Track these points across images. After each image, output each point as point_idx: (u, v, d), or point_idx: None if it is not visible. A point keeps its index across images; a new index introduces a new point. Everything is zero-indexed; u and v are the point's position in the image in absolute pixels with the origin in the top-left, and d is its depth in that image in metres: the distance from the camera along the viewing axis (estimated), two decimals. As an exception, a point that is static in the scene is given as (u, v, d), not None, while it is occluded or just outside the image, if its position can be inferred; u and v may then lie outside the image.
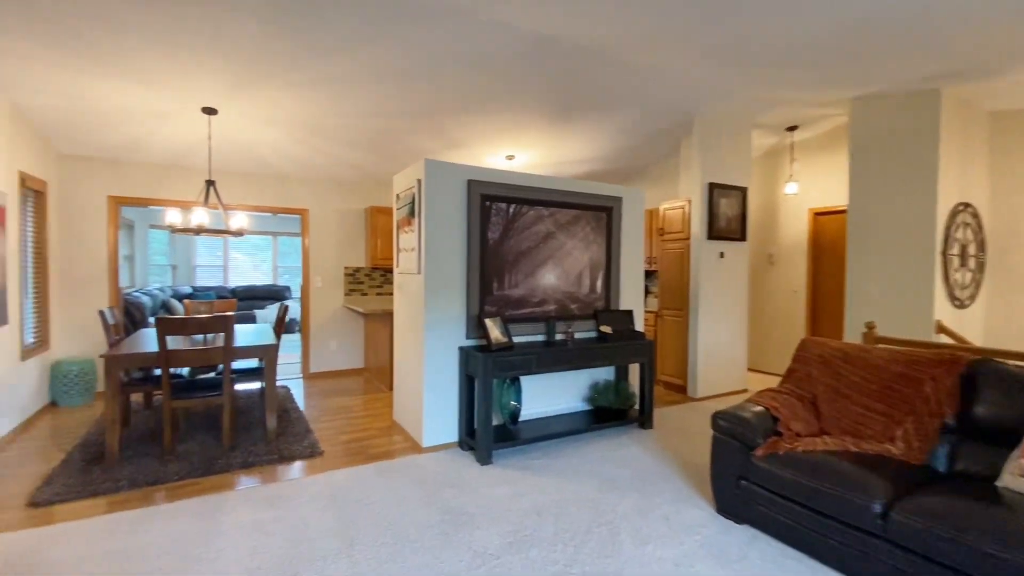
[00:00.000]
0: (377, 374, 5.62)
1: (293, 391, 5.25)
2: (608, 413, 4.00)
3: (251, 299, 10.09)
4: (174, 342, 3.67)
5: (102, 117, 4.04)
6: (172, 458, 3.29)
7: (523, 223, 3.84)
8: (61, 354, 4.74)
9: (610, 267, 4.27)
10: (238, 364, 4.43)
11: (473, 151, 5.31)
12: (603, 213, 4.22)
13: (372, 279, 6.31)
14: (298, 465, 3.25)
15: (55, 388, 4.51)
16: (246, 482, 2.97)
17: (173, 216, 3.90)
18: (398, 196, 4.00)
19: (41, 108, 3.85)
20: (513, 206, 3.79)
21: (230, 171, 5.45)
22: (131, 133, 4.35)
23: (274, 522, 2.49)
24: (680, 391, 5.17)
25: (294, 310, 9.97)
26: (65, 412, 4.39)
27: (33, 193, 4.29)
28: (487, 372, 3.24)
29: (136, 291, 6.70)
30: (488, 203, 3.68)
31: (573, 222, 4.06)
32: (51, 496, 2.74)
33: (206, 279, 10.34)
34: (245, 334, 4.22)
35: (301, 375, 5.99)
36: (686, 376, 5.10)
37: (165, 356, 3.23)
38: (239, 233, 4.04)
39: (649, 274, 6.09)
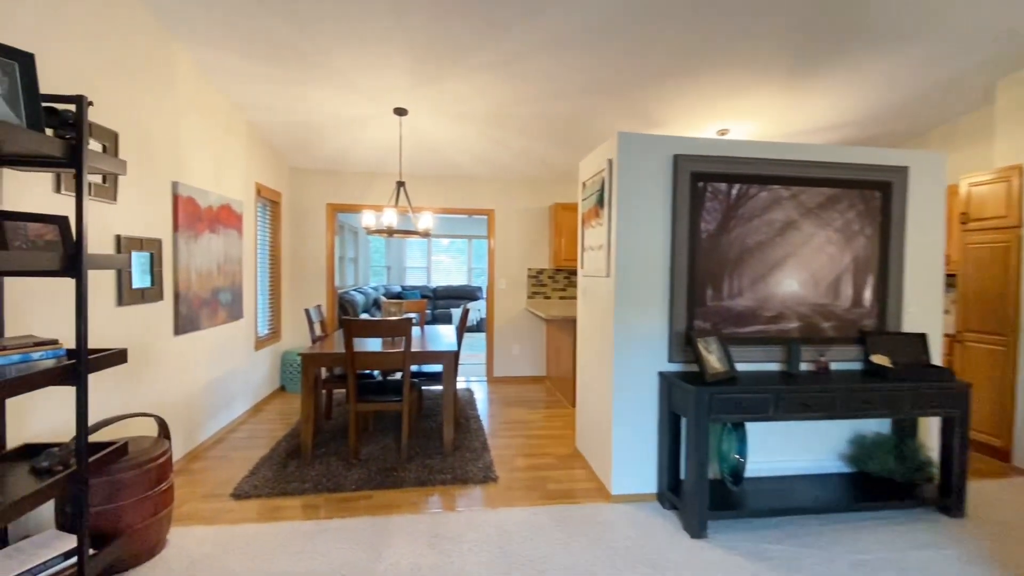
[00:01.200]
0: (559, 385, 5.13)
1: (476, 395, 5.09)
2: (884, 485, 2.74)
3: (448, 298, 10.72)
4: (364, 343, 3.70)
5: (316, 130, 4.36)
6: (356, 461, 3.25)
7: (751, 209, 2.85)
8: (289, 344, 5.38)
9: (886, 269, 2.96)
10: (425, 367, 4.38)
11: (674, 130, 4.41)
12: (876, 192, 2.94)
13: (555, 281, 5.86)
14: (470, 493, 2.87)
15: (284, 375, 5.11)
16: (416, 501, 2.70)
17: (367, 219, 3.96)
18: (584, 185, 3.38)
19: (271, 125, 4.30)
20: (737, 187, 2.83)
21: (420, 175, 5.56)
22: (340, 143, 4.64)
23: (431, 572, 2.10)
24: (998, 456, 3.45)
25: (482, 309, 10.25)
26: (290, 397, 4.92)
27: (269, 203, 4.90)
28: (701, 413, 2.39)
29: (352, 289, 7.53)
30: (701, 184, 2.81)
31: (827, 205, 2.90)
32: (250, 489, 2.84)
33: (414, 279, 11.38)
34: (434, 337, 4.11)
35: (485, 377, 5.86)
36: (1009, 434, 3.37)
37: (351, 357, 3.19)
38: (425, 234, 3.94)
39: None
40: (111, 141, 2.52)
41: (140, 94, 2.77)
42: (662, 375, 2.79)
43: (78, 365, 1.65)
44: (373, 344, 3.71)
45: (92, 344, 2.33)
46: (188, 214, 3.26)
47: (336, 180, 5.45)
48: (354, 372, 3.22)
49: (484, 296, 11.40)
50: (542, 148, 4.83)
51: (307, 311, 3.78)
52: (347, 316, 6.25)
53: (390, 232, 3.84)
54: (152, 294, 2.88)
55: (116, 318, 2.59)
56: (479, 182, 5.70)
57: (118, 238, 2.59)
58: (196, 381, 3.43)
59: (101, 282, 2.48)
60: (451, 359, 3.41)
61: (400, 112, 3.99)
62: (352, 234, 9.28)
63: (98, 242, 2.44)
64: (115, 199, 2.55)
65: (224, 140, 3.82)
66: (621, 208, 2.80)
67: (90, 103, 1.80)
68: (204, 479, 3.02)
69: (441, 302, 10.64)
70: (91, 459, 1.75)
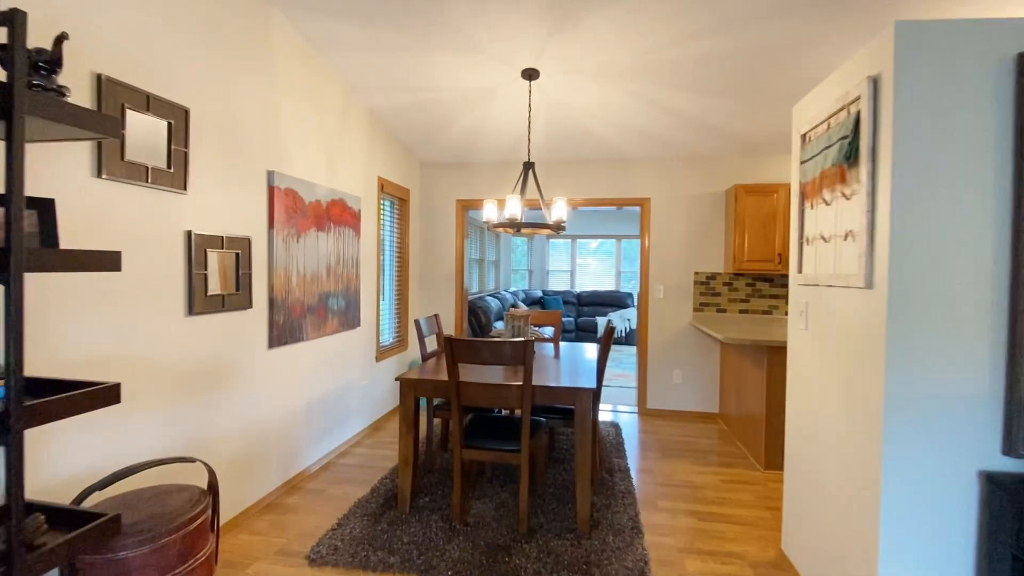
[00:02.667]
0: (739, 430, 3.78)
1: (623, 433, 4.02)
2: None
3: (594, 305, 9.71)
4: (476, 369, 2.93)
5: (439, 111, 3.75)
6: (461, 526, 2.47)
7: None
8: (416, 353, 4.93)
9: None
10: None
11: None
12: None
13: (734, 290, 4.48)
14: (611, 616, 1.87)
15: (409, 388, 4.66)
16: (528, 627, 1.79)
17: (489, 211, 3.20)
18: (806, 138, 2.12)
19: (392, 112, 3.81)
20: None
21: (554, 160, 4.67)
22: (466, 124, 3.98)
23: None
24: None
25: (635, 320, 8.99)
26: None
27: (396, 200, 4.48)
28: None
29: (488, 294, 7.00)
30: (1091, 106, 1.40)
31: None
32: (328, 553, 2.22)
33: (557, 284, 10.62)
34: (571, 361, 3.19)
35: (636, 408, 4.73)
36: None
37: (456, 388, 2.43)
38: (557, 228, 3.04)
39: None
40: (179, 119, 2.10)
41: (225, 67, 2.35)
42: (989, 478, 1.45)
43: (5, 416, 1.09)
44: (488, 371, 2.91)
45: (151, 360, 1.91)
46: (288, 209, 2.83)
47: (465, 173, 4.86)
48: (459, 407, 2.44)
49: (635, 304, 10.11)
50: (714, 108, 3.58)
51: (416, 322, 3.15)
52: (480, 323, 5.65)
53: (515, 226, 3.02)
54: (236, 301, 2.45)
55: (186, 330, 2.18)
56: (629, 164, 4.61)
57: (188, 235, 2.17)
58: (298, 399, 3.01)
59: (164, 287, 2.06)
60: (587, 399, 2.44)
61: (530, 75, 3.16)
62: (493, 236, 8.84)
63: (156, 240, 2.02)
64: (184, 187, 2.13)
65: (339, 128, 3.39)
66: (900, 163, 1.53)
67: (65, 36, 1.26)
68: (288, 524, 2.52)
69: (586, 309, 9.67)
70: (62, 540, 1.19)
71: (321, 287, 3.19)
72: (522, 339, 2.33)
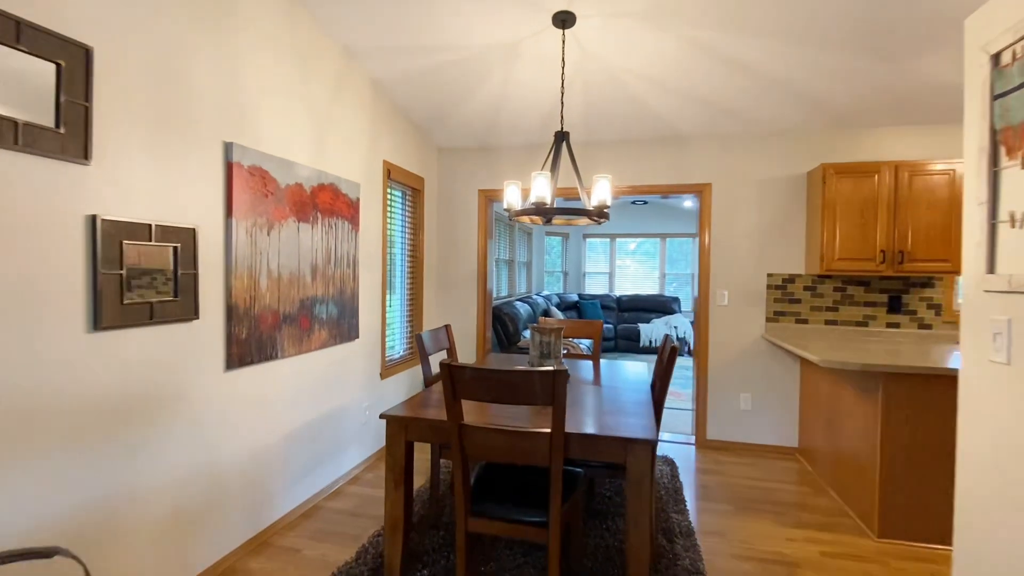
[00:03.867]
0: (832, 476, 2.94)
1: (681, 475, 3.24)
2: None
3: (636, 310, 8.87)
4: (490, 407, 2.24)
5: (455, 77, 3.11)
6: (465, 620, 1.79)
7: None
8: (436, 367, 4.30)
9: None
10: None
11: None
12: None
13: (818, 295, 3.62)
14: None
15: (423, 408, 4.03)
16: None
17: (511, 195, 2.52)
18: (1000, 59, 1.33)
19: (398, 80, 3.19)
20: None
21: (592, 140, 3.94)
22: (489, 94, 3.31)
23: None
24: None
25: (683, 328, 8.12)
26: (427, 439, 3.80)
27: (408, 190, 3.86)
28: None
29: (517, 299, 6.31)
30: None
31: None
32: (273, 667, 1.59)
33: (594, 287, 9.83)
34: (616, 388, 2.48)
35: (693, 437, 3.93)
36: None
37: (458, 432, 1.75)
38: (599, 214, 2.32)
39: None
40: (75, 61, 1.51)
41: (161, 8, 1.77)
42: None
43: None
44: (505, 407, 2.22)
45: (36, 392, 1.33)
46: (254, 192, 2.23)
47: (489, 159, 4.20)
48: (464, 459, 1.76)
49: (683, 309, 9.20)
50: (804, 61, 2.77)
51: (418, 338, 2.49)
52: (507, 332, 4.97)
53: (544, 213, 2.31)
54: (174, 310, 1.86)
55: (91, 350, 1.59)
56: (686, 142, 3.83)
57: (92, 221, 1.58)
58: (271, 433, 2.41)
59: (53, 293, 1.48)
60: (645, 456, 1.70)
61: (563, 21, 2.46)
62: (524, 234, 8.16)
63: (36, 228, 1.44)
64: (85, 156, 1.55)
65: (330, 98, 2.79)
66: None
67: None
68: (239, 606, 1.90)
69: (627, 315, 8.84)
70: None
71: (304, 291, 2.58)
72: (551, 368, 1.62)
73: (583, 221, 2.66)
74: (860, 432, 2.65)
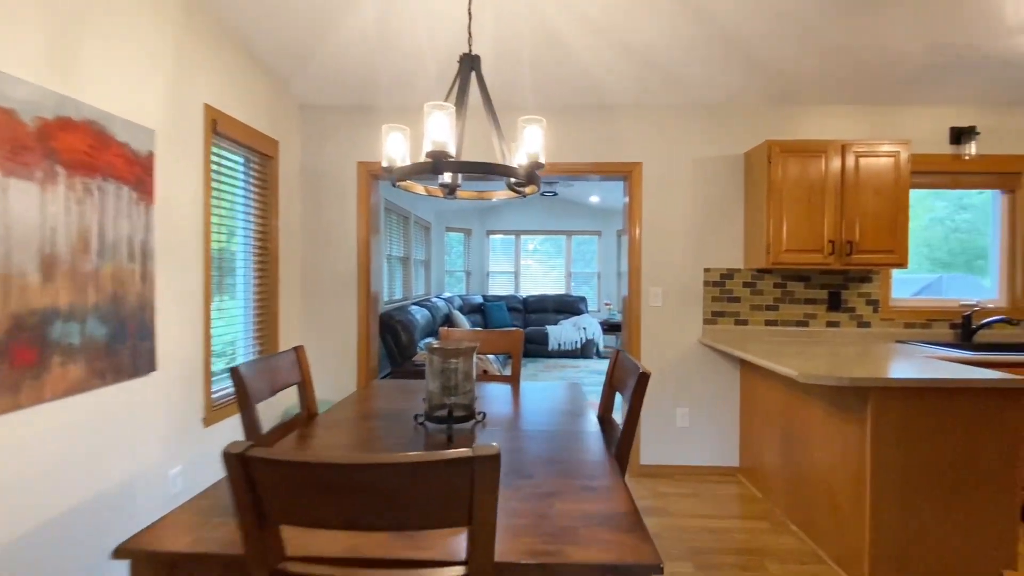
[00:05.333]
0: (787, 502, 2.46)
1: (619, 519, 2.59)
2: None
3: (542, 311, 8.34)
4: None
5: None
6: None
7: None
8: (295, 400, 3.24)
9: None
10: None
11: None
12: None
13: (760, 293, 3.20)
14: None
15: (282, 454, 2.96)
16: None
17: (394, 147, 1.64)
18: None
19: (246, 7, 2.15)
20: None
21: (507, 102, 3.20)
22: (363, 20, 2.38)
23: None
24: None
25: (591, 329, 7.72)
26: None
27: (254, 155, 2.79)
28: None
29: (412, 302, 5.37)
30: None
31: None
32: None
33: (499, 288, 9.14)
34: (546, 432, 1.71)
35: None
36: None
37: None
38: (529, 176, 1.54)
39: None
40: None
41: None
42: None
43: None
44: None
45: None
46: None
47: (371, 121, 3.25)
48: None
49: (590, 309, 8.86)
50: (752, 7, 2.24)
51: (236, 372, 1.50)
52: (399, 345, 4.03)
53: (443, 166, 1.45)
54: None
55: None
56: (614, 112, 3.22)
57: None
58: (-64, 565, 1.28)
59: None
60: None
61: None
62: (421, 228, 7.21)
63: None
64: None
65: (85, -21, 1.70)
66: None
67: None
68: None
69: (533, 316, 8.27)
70: None
71: (22, 300, 1.48)
72: (459, 453, 0.79)
73: (503, 194, 1.87)
74: (838, 458, 2.17)
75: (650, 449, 3.22)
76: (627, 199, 3.27)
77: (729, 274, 3.20)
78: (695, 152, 3.20)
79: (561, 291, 9.12)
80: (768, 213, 2.86)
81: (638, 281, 3.22)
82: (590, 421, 1.75)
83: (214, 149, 2.42)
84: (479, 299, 8.12)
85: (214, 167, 2.41)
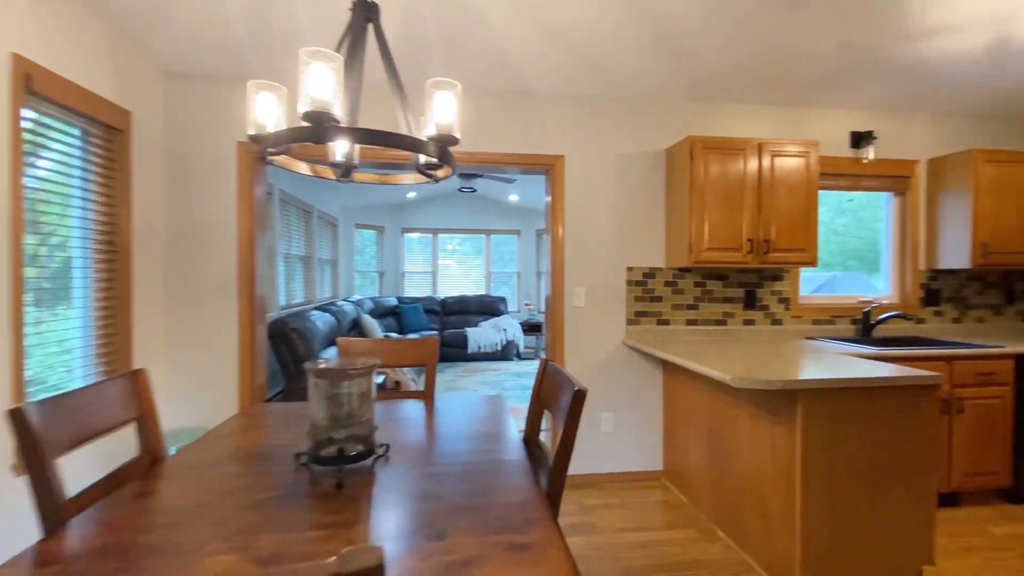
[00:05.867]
0: (713, 507, 2.39)
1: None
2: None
3: (461, 313, 8.04)
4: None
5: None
6: None
7: None
8: (166, 422, 2.68)
9: None
10: None
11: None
12: None
13: (681, 292, 3.15)
14: None
15: (141, 496, 2.41)
16: None
17: (263, 109, 1.27)
18: None
19: None
20: None
21: (418, 81, 2.88)
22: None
23: None
24: None
25: (512, 330, 7.55)
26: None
27: (98, 128, 2.22)
28: None
29: (313, 306, 4.82)
30: None
31: None
32: None
33: (416, 289, 8.69)
34: (470, 475, 1.42)
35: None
36: None
37: None
38: (440, 153, 1.27)
39: None
40: None
41: None
42: None
43: None
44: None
45: None
46: None
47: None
48: None
49: (509, 310, 8.70)
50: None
51: (19, 415, 1.06)
52: (295, 357, 3.54)
53: (325, 132, 1.13)
54: None
55: None
56: (535, 101, 3.01)
57: None
58: None
59: None
60: None
61: None
62: (327, 224, 6.61)
63: None
64: None
65: None
66: None
67: None
68: None
69: (452, 318, 7.94)
70: None
71: None
72: None
73: (411, 178, 1.57)
74: (767, 462, 2.10)
75: (575, 458, 3.06)
76: (549, 195, 3.07)
77: (651, 273, 3.12)
78: (618, 147, 3.08)
79: (481, 292, 8.87)
80: (691, 210, 2.80)
81: (561, 281, 3.04)
82: (513, 445, 1.50)
83: (31, 114, 1.86)
84: (393, 301, 7.64)
85: (29, 137, 1.86)
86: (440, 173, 1.49)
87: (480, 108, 2.95)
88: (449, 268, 8.97)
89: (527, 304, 8.69)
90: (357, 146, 1.47)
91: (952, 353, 2.65)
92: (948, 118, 3.35)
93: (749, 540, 2.23)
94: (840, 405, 1.93)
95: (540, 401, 1.61)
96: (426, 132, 1.31)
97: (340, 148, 1.43)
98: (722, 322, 3.18)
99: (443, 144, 1.25)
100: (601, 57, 2.59)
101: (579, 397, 1.26)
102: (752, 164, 2.82)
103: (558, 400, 1.40)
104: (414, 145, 1.19)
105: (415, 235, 8.68)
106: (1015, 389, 2.71)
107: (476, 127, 2.95)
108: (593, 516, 2.64)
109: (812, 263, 2.90)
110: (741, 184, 2.82)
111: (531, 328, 7.76)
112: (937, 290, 3.34)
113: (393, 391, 2.49)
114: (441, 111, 1.25)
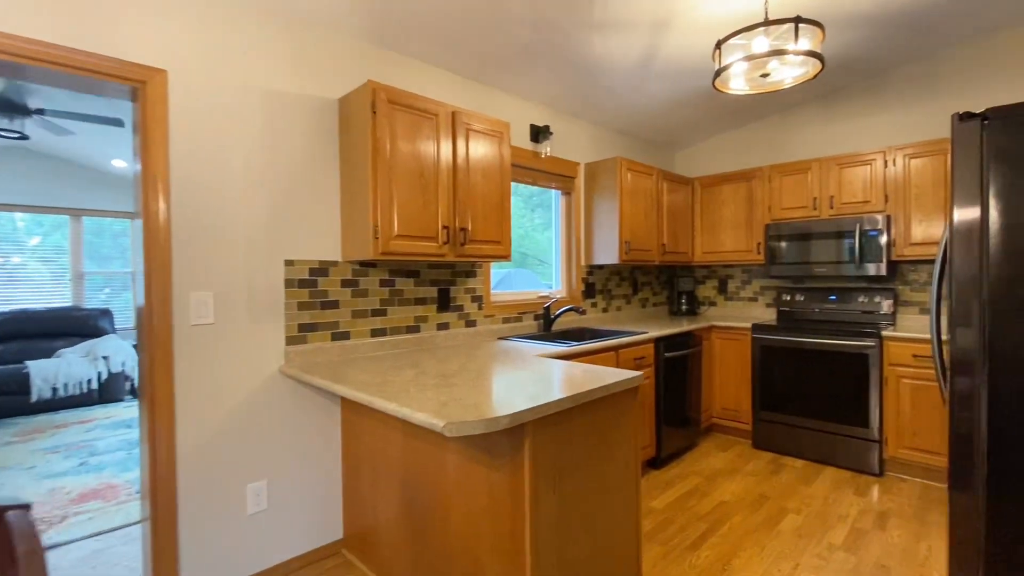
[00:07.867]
0: (412, 573, 1.77)
1: None
2: None
3: (24, 338, 5.13)
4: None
5: None
6: None
7: None
8: None
9: None
10: None
11: None
12: None
13: (363, 294, 2.38)
14: None
15: None
16: None
17: None
18: None
19: None
20: None
21: None
22: None
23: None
24: None
25: (121, 356, 5.28)
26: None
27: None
28: None
29: None
30: None
31: None
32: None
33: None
34: None
35: (149, 608, 1.85)
36: None
37: None
38: None
39: None
40: None
41: None
42: None
43: None
44: None
45: None
46: None
47: None
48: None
49: (117, 328, 6.13)
50: None
51: None
52: None
53: None
54: None
55: None
56: (101, -29, 1.70)
57: None
58: None
59: None
60: None
61: None
62: None
63: None
64: None
65: None
66: None
67: None
68: None
69: (11, 347, 4.97)
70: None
71: None
72: None
73: None
74: (486, 515, 1.56)
75: (205, 550, 1.90)
76: (139, 138, 1.81)
77: (323, 269, 2.24)
78: (269, 80, 2.07)
79: (66, 303, 5.94)
80: (375, 183, 2.07)
81: (166, 285, 1.82)
82: None
83: None
84: None
85: None
86: None
87: (-50, -69, 1.45)
88: (7, 266, 5.64)
89: (151, 317, 6.30)
90: None
91: (617, 343, 2.79)
92: (602, 127, 3.72)
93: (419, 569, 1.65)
94: (564, 429, 1.55)
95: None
96: None
97: None
98: (415, 328, 2.58)
99: None
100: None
101: None
102: (446, 136, 2.31)
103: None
104: None
105: (-91, 210, 5.09)
106: (655, 368, 3.08)
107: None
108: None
109: (506, 257, 2.62)
110: (435, 158, 2.27)
111: (156, 350, 5.58)
112: (593, 283, 3.66)
113: None
114: None
